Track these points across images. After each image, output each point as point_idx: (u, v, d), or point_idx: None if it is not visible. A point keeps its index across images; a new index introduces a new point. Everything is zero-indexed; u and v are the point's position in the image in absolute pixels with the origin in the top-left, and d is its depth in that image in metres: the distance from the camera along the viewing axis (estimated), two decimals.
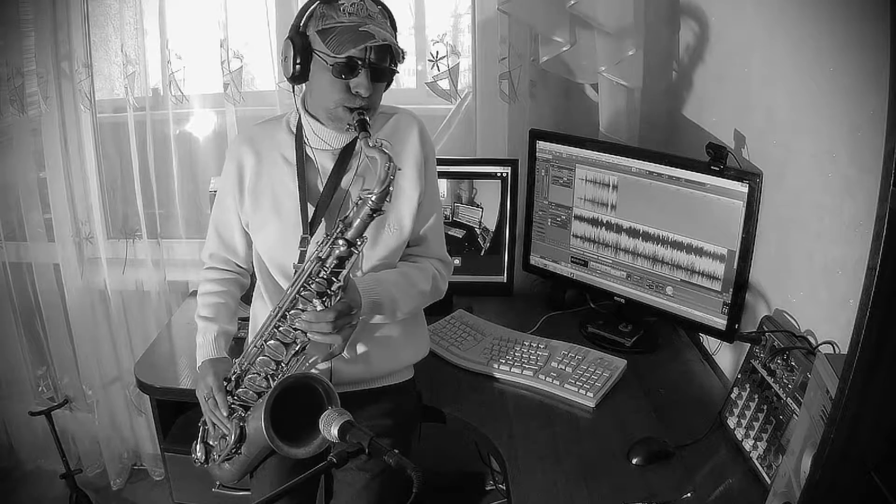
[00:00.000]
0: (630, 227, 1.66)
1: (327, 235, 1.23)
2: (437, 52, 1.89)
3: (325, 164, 1.35)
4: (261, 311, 1.44)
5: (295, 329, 1.26)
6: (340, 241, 1.20)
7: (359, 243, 1.21)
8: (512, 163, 1.88)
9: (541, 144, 1.79)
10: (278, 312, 1.27)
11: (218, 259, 1.49)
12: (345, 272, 1.22)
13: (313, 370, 1.37)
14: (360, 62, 1.20)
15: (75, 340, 2.23)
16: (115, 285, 2.16)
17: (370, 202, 1.18)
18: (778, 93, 1.36)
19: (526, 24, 1.76)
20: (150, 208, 2.07)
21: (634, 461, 1.31)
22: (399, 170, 1.20)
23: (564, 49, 1.72)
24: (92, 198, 2.08)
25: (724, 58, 1.59)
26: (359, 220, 1.19)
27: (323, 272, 1.22)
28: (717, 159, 1.44)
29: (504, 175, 1.88)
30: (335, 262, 1.21)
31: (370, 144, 1.18)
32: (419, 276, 1.40)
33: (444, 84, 1.92)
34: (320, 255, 1.22)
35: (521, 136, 1.87)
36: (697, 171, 1.50)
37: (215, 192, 1.82)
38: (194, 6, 1.92)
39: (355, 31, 1.18)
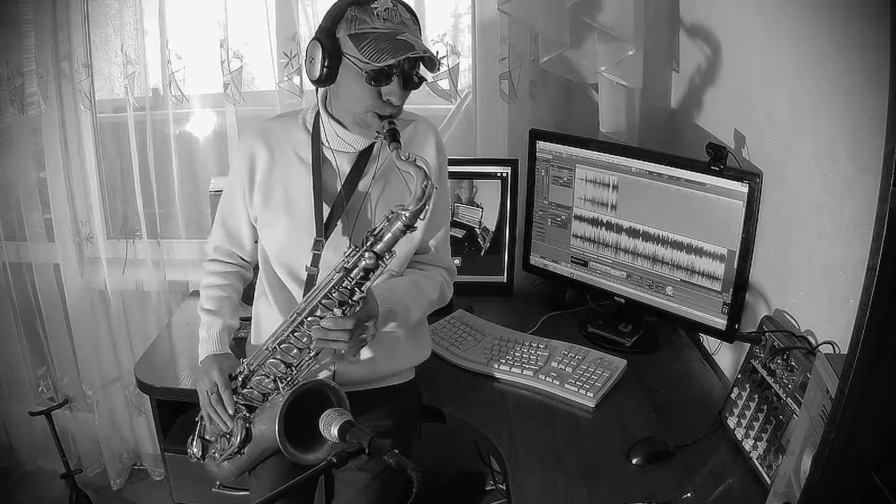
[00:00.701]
0: (630, 227, 1.66)
1: (355, 247, 1.21)
2: (437, 52, 1.88)
3: (344, 166, 1.33)
4: (264, 310, 1.43)
5: (310, 336, 1.25)
6: (368, 254, 1.18)
7: (387, 257, 1.19)
8: (512, 163, 1.88)
9: (541, 144, 1.79)
10: (296, 318, 1.26)
11: (222, 252, 1.48)
12: (369, 284, 1.21)
13: (323, 371, 1.37)
14: (394, 70, 1.19)
15: (75, 340, 2.23)
16: (115, 285, 2.16)
17: (403, 218, 1.15)
18: (778, 93, 1.36)
19: (526, 24, 1.76)
20: (150, 208, 2.07)
21: (634, 461, 1.31)
22: (436, 188, 1.18)
23: (564, 49, 1.72)
24: (92, 198, 2.07)
25: (724, 58, 1.59)
26: (389, 235, 1.17)
27: (347, 282, 1.21)
28: (717, 159, 1.44)
29: (504, 175, 1.88)
30: (361, 273, 1.20)
31: (402, 157, 1.16)
32: (428, 285, 1.40)
33: (444, 84, 1.92)
34: (346, 265, 1.20)
35: (521, 136, 1.87)
36: (697, 171, 1.50)
37: (215, 192, 1.83)
38: (194, 6, 1.92)
39: (392, 39, 1.16)
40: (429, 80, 1.27)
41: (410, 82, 1.22)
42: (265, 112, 1.91)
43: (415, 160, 1.15)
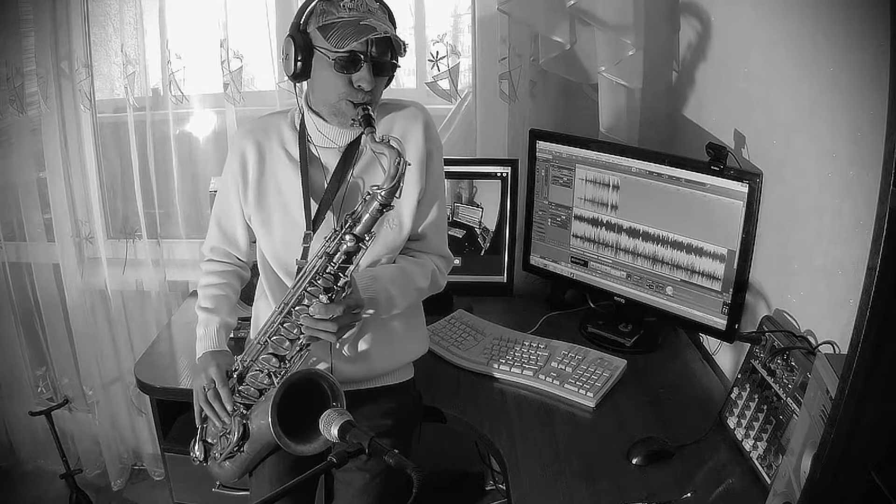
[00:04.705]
0: (630, 227, 1.66)
1: (335, 231, 1.22)
2: (437, 52, 1.89)
3: (330, 161, 1.35)
4: (264, 310, 1.43)
5: (300, 325, 1.26)
6: (348, 237, 1.20)
7: (367, 238, 1.21)
8: (512, 163, 1.88)
9: (541, 144, 1.79)
10: (284, 309, 1.27)
11: (219, 252, 1.48)
12: (352, 268, 1.22)
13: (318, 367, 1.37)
14: (361, 56, 1.20)
15: (75, 340, 2.23)
16: (115, 285, 2.16)
17: (379, 197, 1.17)
18: (778, 93, 1.36)
19: (526, 24, 1.76)
20: (150, 208, 2.07)
21: (634, 461, 1.31)
22: (409, 164, 1.20)
23: (565, 49, 1.72)
24: (92, 198, 2.07)
25: (724, 58, 1.59)
26: (367, 216, 1.19)
27: (330, 268, 1.22)
28: (717, 159, 1.44)
29: (504, 175, 1.88)
30: (343, 257, 1.21)
31: (377, 140, 1.17)
32: (418, 272, 1.39)
33: (444, 84, 1.92)
34: (328, 250, 1.22)
35: (521, 136, 1.87)
36: (697, 171, 1.50)
37: (215, 191, 1.83)
38: (194, 6, 1.92)
39: (356, 24, 1.18)
40: (399, 66, 1.28)
41: (382, 68, 1.24)
42: (265, 112, 1.90)
43: (388, 141, 1.17)
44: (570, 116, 1.92)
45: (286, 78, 1.88)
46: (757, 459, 1.26)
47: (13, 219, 2.15)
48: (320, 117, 1.32)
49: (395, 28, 1.27)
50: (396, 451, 1.01)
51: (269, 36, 1.88)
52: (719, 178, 1.46)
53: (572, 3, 1.62)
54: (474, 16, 1.85)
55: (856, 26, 1.09)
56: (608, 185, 1.68)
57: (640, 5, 1.64)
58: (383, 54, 1.22)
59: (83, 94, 1.95)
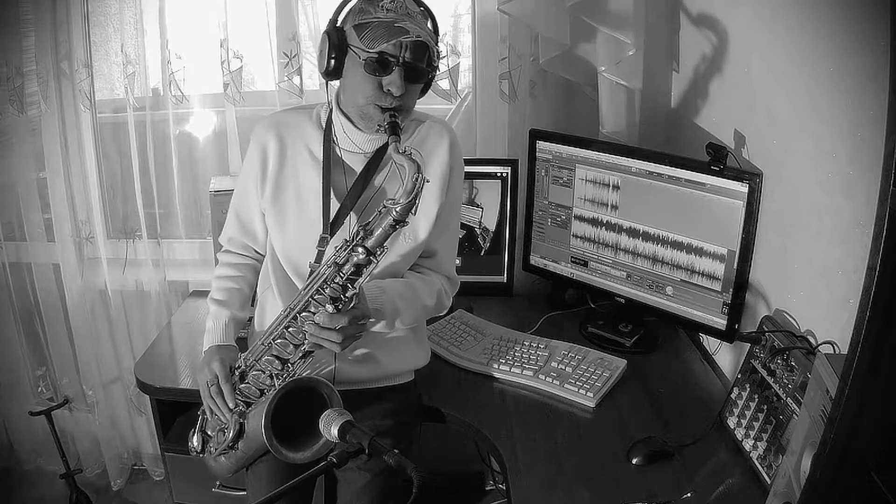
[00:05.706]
0: (630, 227, 1.66)
1: (346, 241, 1.20)
2: (439, 52, 1.89)
3: (355, 165, 1.33)
4: (269, 303, 1.42)
5: (305, 331, 1.25)
6: (360, 249, 1.17)
7: (379, 252, 1.18)
8: (512, 163, 1.88)
9: (541, 144, 1.79)
10: (290, 313, 1.26)
11: (236, 244, 1.47)
12: (361, 280, 1.20)
13: (324, 370, 1.37)
14: (393, 59, 1.18)
15: (75, 340, 2.23)
16: (115, 285, 2.16)
17: (394, 212, 1.15)
18: (778, 93, 1.36)
19: (526, 24, 1.76)
20: (150, 208, 2.07)
21: (634, 461, 1.31)
22: (427, 181, 1.17)
23: (564, 49, 1.72)
24: (92, 198, 2.07)
25: (725, 58, 1.59)
26: (380, 230, 1.16)
27: (339, 278, 1.20)
28: (717, 159, 1.44)
29: (504, 175, 1.88)
30: (352, 269, 1.19)
31: (399, 151, 1.15)
32: (425, 290, 1.38)
33: (444, 84, 1.92)
34: (338, 260, 1.20)
35: (521, 136, 1.87)
36: (697, 171, 1.50)
37: (215, 192, 1.83)
38: (194, 6, 1.92)
39: (391, 26, 1.16)
40: (436, 73, 1.27)
41: (416, 75, 1.21)
42: (265, 112, 1.90)
43: (410, 154, 1.15)
44: (570, 116, 1.92)
45: (286, 78, 1.91)
46: (757, 459, 1.26)
47: (13, 219, 2.15)
48: (349, 120, 1.30)
49: (436, 35, 1.24)
50: (396, 451, 1.01)
51: (269, 36, 1.88)
52: (719, 178, 1.46)
53: (572, 2, 1.62)
54: (474, 16, 1.85)
55: (856, 26, 1.09)
56: (608, 185, 1.68)
57: (640, 5, 1.64)
58: (417, 60, 1.20)
59: (83, 94, 1.95)
